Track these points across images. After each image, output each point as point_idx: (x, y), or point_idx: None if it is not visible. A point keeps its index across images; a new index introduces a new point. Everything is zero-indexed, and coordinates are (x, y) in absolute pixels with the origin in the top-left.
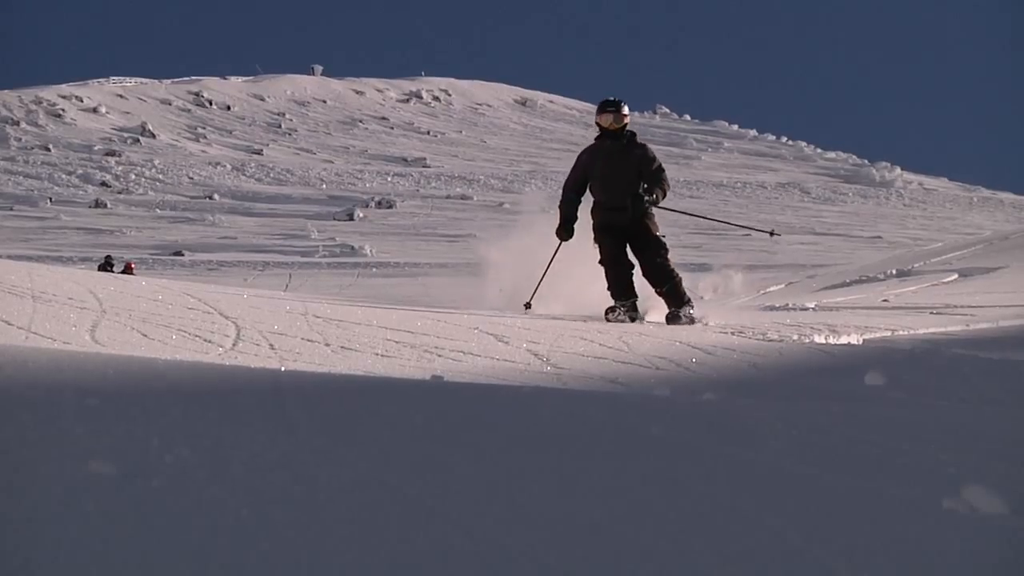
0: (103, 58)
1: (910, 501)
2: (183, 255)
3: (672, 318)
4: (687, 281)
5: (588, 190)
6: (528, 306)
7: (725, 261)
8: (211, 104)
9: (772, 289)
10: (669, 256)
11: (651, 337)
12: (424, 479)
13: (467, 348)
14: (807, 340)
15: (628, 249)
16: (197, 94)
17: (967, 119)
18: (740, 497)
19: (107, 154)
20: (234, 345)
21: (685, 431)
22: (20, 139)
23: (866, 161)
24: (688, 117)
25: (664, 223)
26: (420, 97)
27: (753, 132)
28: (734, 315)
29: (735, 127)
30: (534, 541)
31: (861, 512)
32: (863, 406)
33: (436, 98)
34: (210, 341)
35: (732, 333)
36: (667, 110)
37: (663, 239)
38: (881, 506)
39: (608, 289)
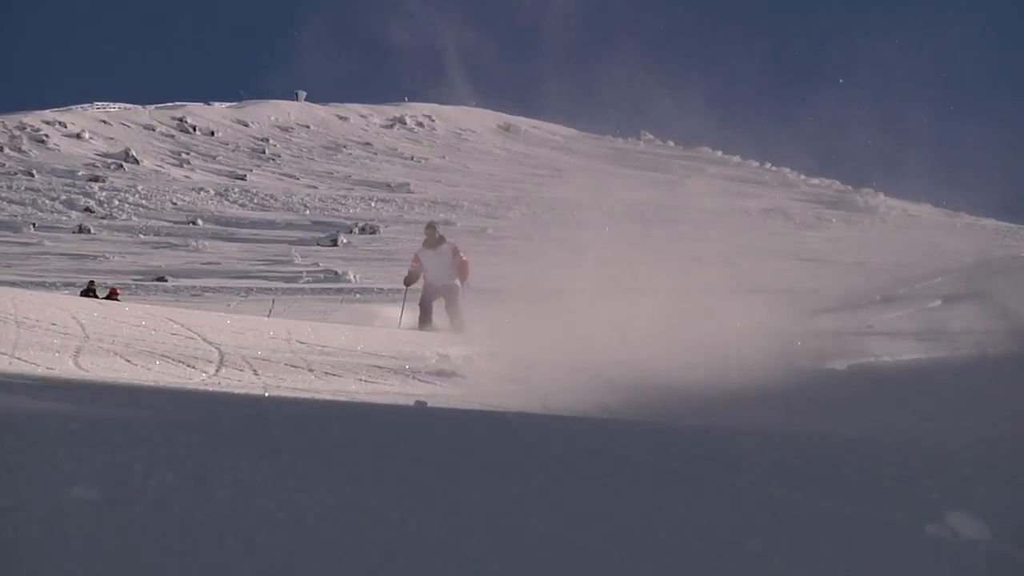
0: (86, 84)
1: (893, 525)
2: (166, 280)
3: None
4: None
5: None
6: None
7: (708, 287)
8: (195, 130)
9: (756, 315)
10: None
11: (636, 365)
12: (408, 504)
13: (450, 372)
14: (791, 366)
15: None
16: (181, 120)
17: (950, 146)
18: (724, 521)
19: (91, 180)
20: (217, 371)
21: (669, 456)
22: (3, 164)
23: (850, 187)
24: (672, 143)
25: (647, 249)
26: (404, 123)
27: (737, 158)
28: (718, 342)
29: (719, 153)
30: (518, 566)
31: (843, 536)
32: (847, 430)
33: (420, 124)
34: (193, 367)
35: (715, 359)
36: (651, 136)
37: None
38: (863, 530)
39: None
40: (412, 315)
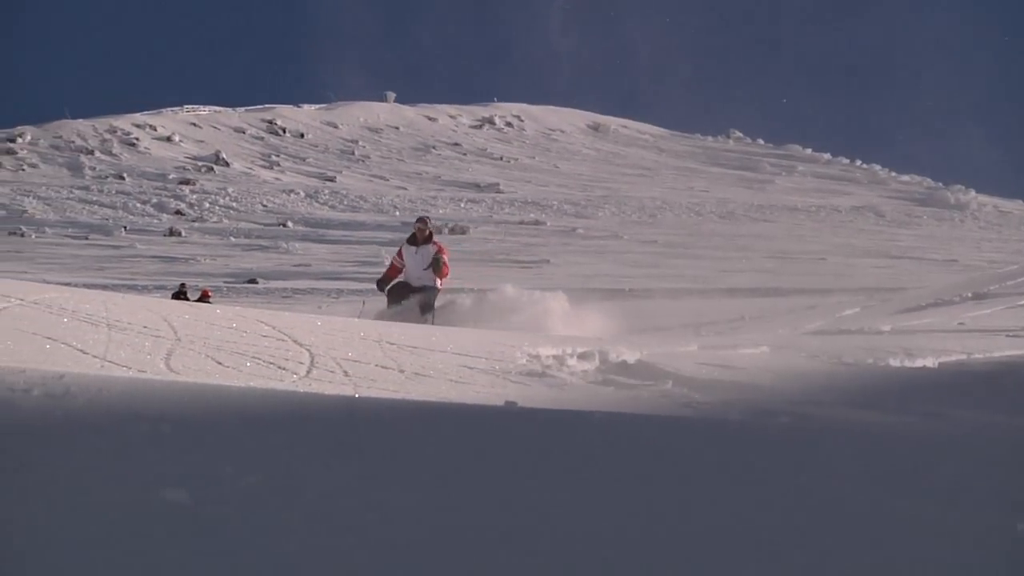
0: (177, 87)
1: (980, 529)
2: (257, 283)
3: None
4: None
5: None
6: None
7: (799, 285)
8: (284, 132)
9: (846, 313)
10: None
11: (726, 363)
12: (495, 505)
13: (540, 372)
14: (882, 363)
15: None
16: (271, 122)
17: None
18: (807, 523)
19: (181, 183)
20: (308, 372)
21: (754, 456)
22: (95, 168)
23: (940, 184)
24: (762, 141)
25: (736, 247)
26: (493, 123)
27: (827, 156)
28: (808, 339)
29: (809, 151)
30: (602, 566)
31: (927, 539)
32: (937, 430)
33: (509, 124)
34: (284, 368)
35: (806, 357)
36: (740, 134)
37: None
38: (948, 532)
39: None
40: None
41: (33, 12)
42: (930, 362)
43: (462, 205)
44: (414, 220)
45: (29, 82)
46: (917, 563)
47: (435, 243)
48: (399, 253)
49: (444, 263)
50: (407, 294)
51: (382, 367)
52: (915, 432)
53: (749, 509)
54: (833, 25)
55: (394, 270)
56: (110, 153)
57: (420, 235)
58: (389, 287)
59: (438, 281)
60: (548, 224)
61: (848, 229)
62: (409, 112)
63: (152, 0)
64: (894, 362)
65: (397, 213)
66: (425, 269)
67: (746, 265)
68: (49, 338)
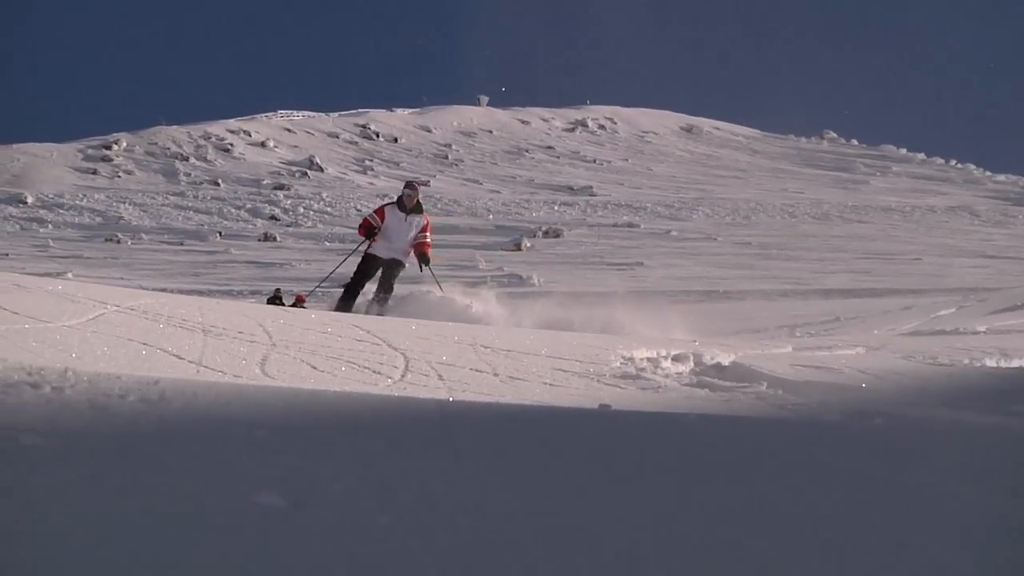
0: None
1: None
2: None
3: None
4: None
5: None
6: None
7: (894, 286)
8: (378, 136)
9: (942, 313)
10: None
11: (821, 364)
12: (589, 508)
13: (634, 375)
14: (978, 364)
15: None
16: (364, 127)
17: None
18: (907, 524)
19: (276, 188)
20: (403, 376)
21: (853, 457)
22: (189, 174)
23: None
24: (855, 142)
25: (831, 248)
26: (585, 126)
27: (921, 156)
28: (904, 340)
29: (903, 151)
30: (695, 569)
31: None
32: None
33: (601, 126)
34: (379, 372)
35: (902, 358)
36: (834, 135)
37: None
38: None
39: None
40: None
41: (128, 21)
42: None
43: (555, 208)
44: (403, 184)
45: (125, 90)
46: (1018, 563)
47: (424, 216)
48: (379, 212)
49: (428, 241)
50: (373, 268)
51: (476, 370)
52: (1012, 433)
53: (845, 510)
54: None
55: (367, 227)
56: (205, 159)
57: (409, 202)
58: (357, 267)
59: (406, 258)
60: (642, 226)
61: (943, 229)
62: (502, 115)
63: (246, 8)
64: (990, 363)
65: (491, 217)
66: (406, 240)
67: (841, 266)
68: (144, 344)
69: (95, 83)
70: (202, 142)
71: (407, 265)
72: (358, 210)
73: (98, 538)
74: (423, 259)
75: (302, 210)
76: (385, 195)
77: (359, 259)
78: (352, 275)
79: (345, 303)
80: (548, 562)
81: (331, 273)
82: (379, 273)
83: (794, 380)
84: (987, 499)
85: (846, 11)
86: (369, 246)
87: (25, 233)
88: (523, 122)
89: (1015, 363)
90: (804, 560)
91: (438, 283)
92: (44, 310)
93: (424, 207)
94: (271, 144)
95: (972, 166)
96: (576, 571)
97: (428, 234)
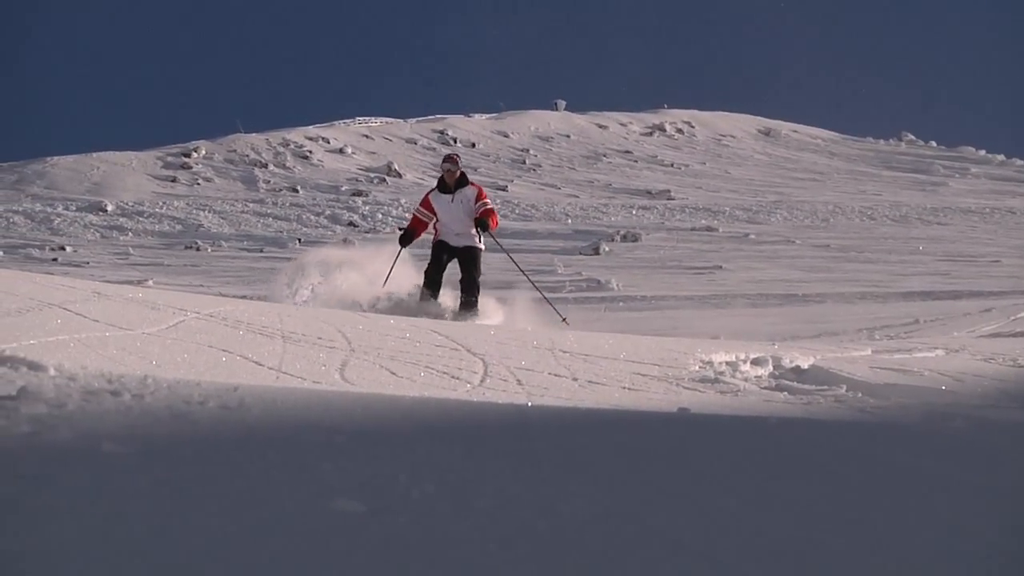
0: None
1: None
2: None
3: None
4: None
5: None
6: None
7: (974, 288)
8: (456, 142)
9: (1022, 315)
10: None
11: (901, 367)
12: (669, 511)
13: (713, 379)
14: None
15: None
16: (442, 132)
17: None
18: (992, 527)
19: (354, 194)
20: (481, 381)
21: (933, 459)
22: (268, 181)
23: None
24: (934, 143)
25: (910, 251)
26: (663, 130)
27: (1001, 157)
28: (984, 342)
29: (982, 152)
30: (777, 573)
31: None
32: None
33: (679, 130)
34: (458, 378)
35: (982, 360)
36: (912, 137)
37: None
38: None
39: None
40: (408, 274)
41: (206, 29)
42: None
43: (634, 212)
44: (441, 160)
45: (203, 97)
46: None
47: (473, 184)
48: (425, 203)
49: (493, 211)
50: (446, 259)
51: (555, 375)
52: None
53: (928, 514)
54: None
55: (419, 225)
56: (283, 166)
57: (450, 178)
58: (427, 267)
59: (480, 238)
60: (720, 230)
61: (1023, 230)
62: (580, 120)
63: (323, 15)
64: None
65: (569, 221)
66: (466, 220)
67: (920, 268)
68: (224, 350)
69: (174, 91)
70: (281, 149)
71: (484, 248)
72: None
73: (178, 545)
74: (481, 225)
75: (380, 216)
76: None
77: (432, 250)
78: (425, 274)
79: (426, 298)
80: (628, 568)
81: (384, 283)
82: (457, 268)
83: (874, 383)
84: None
85: (923, 12)
86: (436, 234)
87: (105, 241)
88: (600, 127)
89: None
90: (885, 562)
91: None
92: (124, 318)
93: (467, 175)
94: (349, 150)
95: None
96: (657, 575)
97: (486, 201)
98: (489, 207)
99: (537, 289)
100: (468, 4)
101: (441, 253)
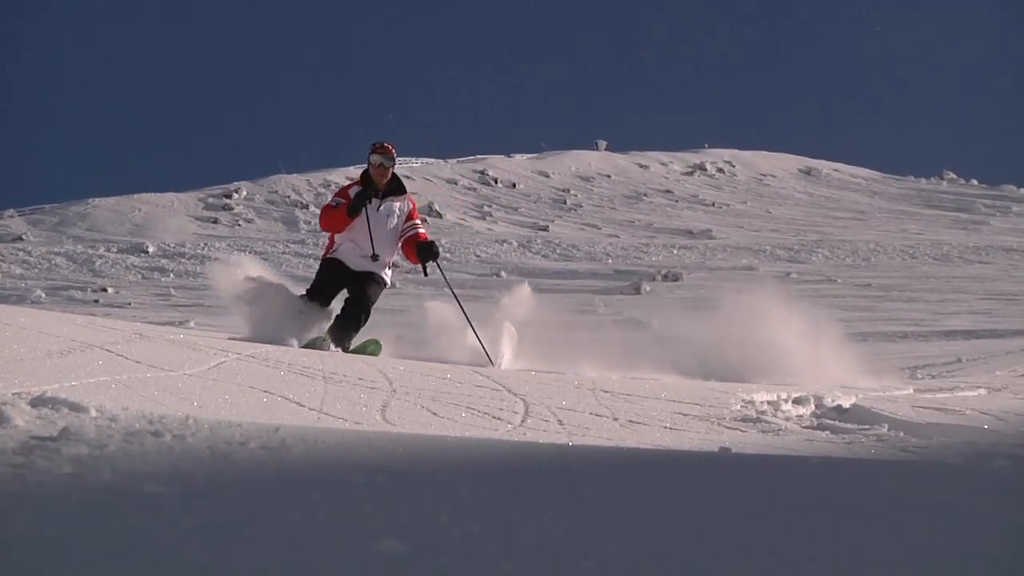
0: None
1: None
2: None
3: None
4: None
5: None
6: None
7: (1016, 327)
8: (496, 182)
9: None
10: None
11: (943, 406)
12: (713, 551)
13: (755, 418)
14: None
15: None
16: (482, 172)
17: None
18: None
19: None
20: (523, 421)
21: (976, 499)
22: (309, 222)
23: None
24: (975, 182)
25: (952, 289)
26: (704, 169)
27: None
28: None
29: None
30: None
31: None
32: None
33: (720, 170)
34: (499, 418)
35: None
36: (954, 176)
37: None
38: None
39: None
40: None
41: (247, 72)
42: None
43: (675, 252)
44: (369, 147)
45: (245, 139)
46: None
47: (408, 196)
48: (345, 192)
49: (421, 231)
50: (339, 284)
51: (596, 415)
52: None
53: (971, 552)
54: None
55: (332, 216)
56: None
57: (380, 177)
58: (316, 277)
59: (388, 272)
60: (761, 269)
61: None
62: (620, 160)
63: (362, 57)
64: None
65: (610, 261)
66: (385, 240)
67: (962, 307)
68: (266, 391)
69: (216, 132)
70: (322, 189)
71: (389, 283)
72: (477, 256)
73: None
74: (426, 254)
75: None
76: (504, 240)
77: (320, 267)
78: (312, 285)
79: (309, 318)
80: None
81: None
82: (344, 292)
83: (916, 422)
84: None
85: (963, 52)
86: (330, 247)
87: (147, 282)
88: (641, 166)
89: None
90: None
91: (472, 326)
92: (166, 359)
93: (423, 215)
94: None
95: None
96: None
97: (418, 221)
98: (422, 231)
99: (475, 332)
100: (509, 44)
101: (332, 278)
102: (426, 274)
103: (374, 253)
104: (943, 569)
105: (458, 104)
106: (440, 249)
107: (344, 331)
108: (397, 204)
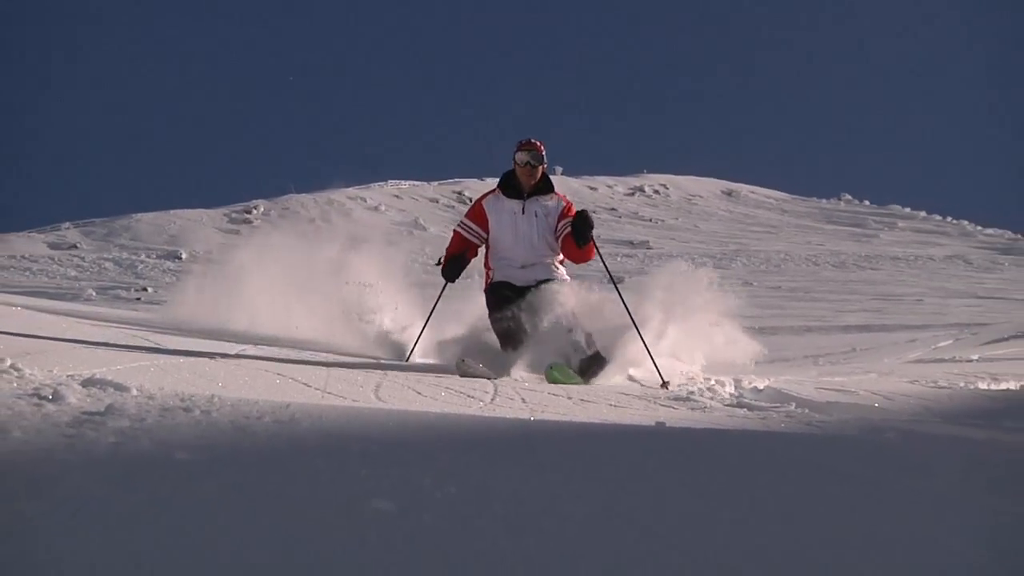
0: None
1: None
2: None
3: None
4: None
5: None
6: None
7: (901, 322)
8: (471, 201)
9: (941, 344)
10: None
11: (841, 388)
12: (654, 509)
13: (685, 397)
14: (972, 386)
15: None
16: (460, 193)
17: None
18: (917, 523)
19: (387, 245)
20: (492, 400)
21: (869, 466)
22: (316, 234)
23: (1020, 235)
24: (867, 202)
25: (848, 291)
26: (643, 191)
27: (923, 213)
28: (910, 367)
29: (907, 209)
30: (738, 552)
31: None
32: (1022, 441)
33: (656, 191)
34: (472, 397)
35: (909, 382)
36: (850, 197)
37: None
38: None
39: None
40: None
41: (267, 107)
42: (1013, 384)
43: (619, 259)
44: (515, 145)
45: (261, 163)
46: (1015, 554)
47: (558, 194)
48: (475, 214)
49: (591, 237)
50: (515, 303)
51: (553, 395)
52: (1004, 444)
53: (864, 511)
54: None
55: (465, 245)
56: (329, 221)
57: (527, 176)
58: (496, 324)
59: (561, 269)
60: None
61: (941, 275)
62: (574, 183)
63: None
64: (982, 385)
65: (564, 267)
66: (540, 246)
67: (856, 306)
68: (278, 375)
69: (238, 158)
70: (326, 207)
71: (567, 279)
72: None
73: (241, 537)
74: (583, 225)
75: (408, 262)
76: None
77: (487, 305)
78: (500, 340)
79: (506, 363)
80: (621, 556)
81: (417, 339)
82: (540, 321)
83: (818, 401)
84: (983, 500)
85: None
86: (488, 277)
87: (180, 283)
88: (591, 188)
89: (1003, 385)
90: (823, 550)
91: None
92: (195, 348)
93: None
94: (383, 208)
95: (966, 222)
96: (645, 564)
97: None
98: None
99: (646, 346)
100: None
101: (507, 300)
102: (582, 244)
103: (531, 263)
104: (839, 526)
105: (439, 134)
106: (593, 219)
107: (594, 363)
108: (546, 203)
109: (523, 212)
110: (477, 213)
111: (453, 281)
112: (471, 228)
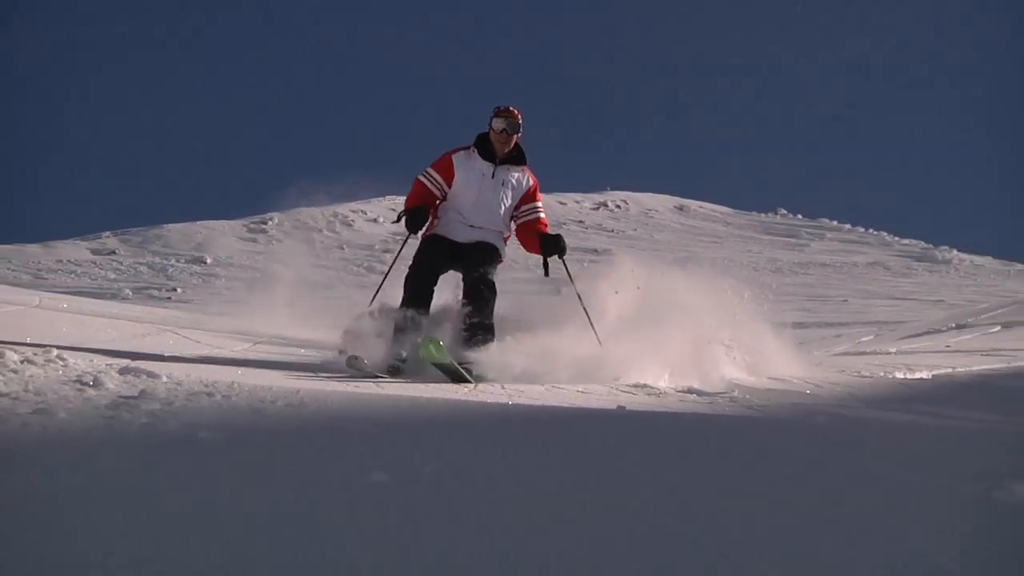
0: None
1: (970, 494)
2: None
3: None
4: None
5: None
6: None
7: (829, 320)
8: None
9: (864, 339)
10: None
11: (777, 377)
12: (617, 482)
13: (643, 385)
14: (890, 376)
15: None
16: None
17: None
18: (847, 495)
19: (384, 251)
20: (475, 386)
21: (802, 445)
22: (322, 242)
23: (931, 245)
24: (800, 216)
25: (784, 293)
26: (606, 206)
27: (848, 225)
28: (837, 359)
29: (835, 222)
30: (693, 521)
31: (938, 505)
32: (932, 424)
33: (617, 206)
34: (457, 385)
35: (836, 372)
36: (785, 211)
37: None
38: (949, 499)
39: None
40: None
41: (281, 132)
42: (926, 374)
43: (584, 265)
44: (492, 111)
45: (276, 179)
46: (924, 523)
47: (529, 171)
48: (442, 165)
49: (542, 217)
50: (444, 265)
51: (529, 384)
52: (916, 425)
53: (799, 483)
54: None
55: (427, 196)
56: (334, 231)
57: (502, 143)
58: (412, 267)
59: (502, 244)
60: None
61: (864, 279)
62: (546, 198)
63: (357, 123)
64: (899, 375)
65: (537, 272)
66: (496, 214)
67: (791, 306)
68: (290, 364)
69: (257, 175)
70: (331, 219)
71: (504, 259)
72: None
73: (256, 506)
74: (552, 248)
75: (404, 267)
76: None
77: (416, 251)
78: (404, 287)
79: (394, 342)
80: (587, 523)
81: (376, 293)
82: (459, 279)
83: (758, 388)
84: (898, 474)
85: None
86: (432, 225)
87: (205, 285)
88: (561, 203)
89: (917, 375)
90: (765, 516)
91: None
92: (218, 340)
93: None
94: (381, 220)
95: (884, 233)
96: (608, 532)
97: (539, 204)
98: (543, 217)
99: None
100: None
101: (436, 255)
102: (547, 273)
103: (481, 227)
104: (776, 497)
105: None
106: (567, 244)
107: (478, 331)
108: (515, 175)
109: (492, 176)
110: (444, 166)
111: (416, 233)
112: (434, 179)
